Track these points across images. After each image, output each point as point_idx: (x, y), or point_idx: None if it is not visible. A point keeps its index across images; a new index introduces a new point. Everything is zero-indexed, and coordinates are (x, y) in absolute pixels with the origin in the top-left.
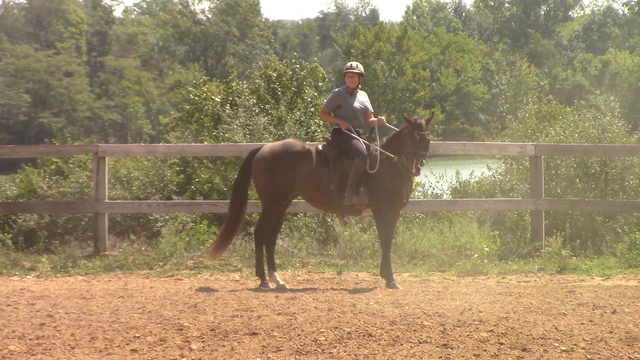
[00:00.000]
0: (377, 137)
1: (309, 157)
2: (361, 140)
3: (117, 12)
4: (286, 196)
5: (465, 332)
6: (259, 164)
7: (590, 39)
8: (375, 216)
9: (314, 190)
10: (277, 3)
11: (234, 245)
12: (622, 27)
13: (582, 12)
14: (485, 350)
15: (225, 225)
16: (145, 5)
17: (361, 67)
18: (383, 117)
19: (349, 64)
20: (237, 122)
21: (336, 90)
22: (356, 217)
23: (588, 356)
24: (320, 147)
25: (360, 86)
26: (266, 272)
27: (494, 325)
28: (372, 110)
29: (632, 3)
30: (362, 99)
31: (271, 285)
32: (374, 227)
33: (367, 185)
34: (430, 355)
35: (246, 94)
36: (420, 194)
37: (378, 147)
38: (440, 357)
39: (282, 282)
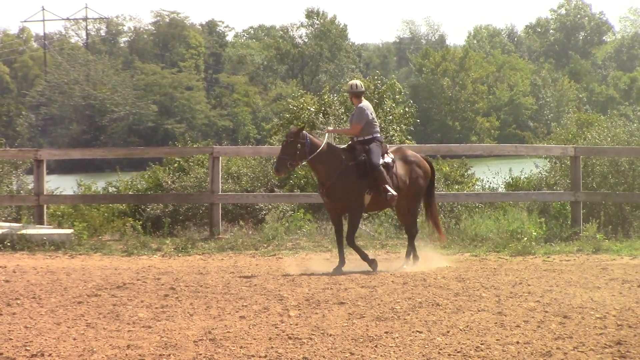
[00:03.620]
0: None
1: None
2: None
3: (229, 37)
4: None
5: (517, 302)
6: None
7: (621, 59)
8: None
9: None
10: (361, 29)
11: (325, 230)
12: None
13: (614, 37)
14: (533, 317)
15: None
16: (252, 31)
17: (349, 86)
18: (328, 129)
19: None
20: (328, 128)
21: None
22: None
23: (618, 322)
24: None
25: (361, 99)
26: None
27: (540, 297)
28: (353, 121)
29: None
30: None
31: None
32: (442, 214)
33: None
34: (488, 321)
35: (336, 104)
36: (479, 187)
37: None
38: (496, 322)
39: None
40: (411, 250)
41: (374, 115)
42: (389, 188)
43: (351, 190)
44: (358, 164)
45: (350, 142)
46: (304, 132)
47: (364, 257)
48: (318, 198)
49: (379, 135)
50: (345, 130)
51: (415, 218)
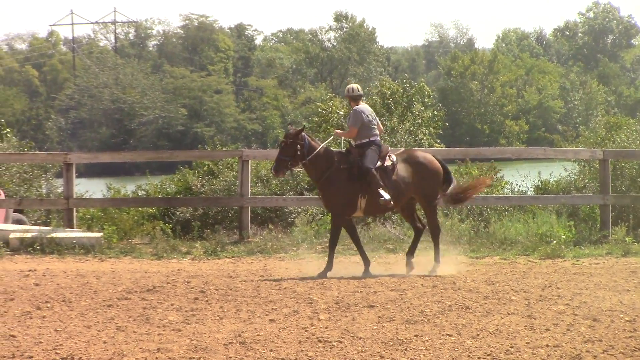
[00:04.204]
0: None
1: None
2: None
3: (258, 40)
4: None
5: (546, 305)
6: None
7: None
8: None
9: None
10: (390, 33)
11: None
12: None
13: None
14: (562, 320)
15: None
16: (281, 35)
17: (346, 90)
18: (336, 131)
19: None
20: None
21: None
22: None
23: None
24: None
25: (358, 102)
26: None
27: (570, 300)
28: (350, 124)
29: None
30: None
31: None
32: (471, 217)
33: None
34: (517, 324)
35: None
36: (508, 190)
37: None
38: (526, 326)
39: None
40: (437, 252)
41: (372, 117)
42: (382, 192)
43: (338, 191)
44: (350, 167)
45: (348, 146)
46: (303, 133)
47: (329, 264)
48: None
49: (377, 138)
50: (344, 133)
51: (433, 219)
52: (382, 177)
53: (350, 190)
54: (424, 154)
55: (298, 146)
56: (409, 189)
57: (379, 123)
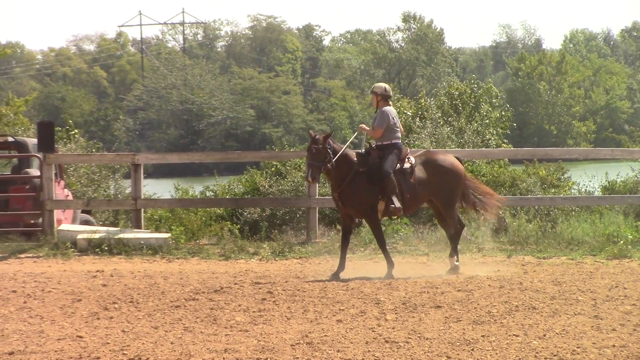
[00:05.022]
0: (366, 148)
1: None
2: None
3: (326, 41)
4: None
5: (613, 305)
6: None
7: None
8: None
9: None
10: (458, 33)
11: (422, 234)
12: None
13: None
14: (629, 320)
15: None
16: (349, 36)
17: (382, 89)
18: (361, 125)
19: None
20: (425, 131)
21: None
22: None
23: None
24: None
25: (388, 103)
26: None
27: (637, 300)
28: (375, 124)
29: None
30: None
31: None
32: (538, 218)
33: None
34: (584, 324)
35: (433, 108)
36: (575, 191)
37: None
38: (592, 326)
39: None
40: (454, 251)
41: (396, 120)
42: (394, 200)
43: (362, 196)
44: (369, 169)
45: (367, 147)
46: (329, 139)
47: (389, 263)
48: None
49: (399, 142)
50: (369, 132)
51: (453, 220)
52: (400, 180)
53: (372, 192)
54: (444, 156)
55: (328, 151)
56: (425, 192)
57: (401, 126)
